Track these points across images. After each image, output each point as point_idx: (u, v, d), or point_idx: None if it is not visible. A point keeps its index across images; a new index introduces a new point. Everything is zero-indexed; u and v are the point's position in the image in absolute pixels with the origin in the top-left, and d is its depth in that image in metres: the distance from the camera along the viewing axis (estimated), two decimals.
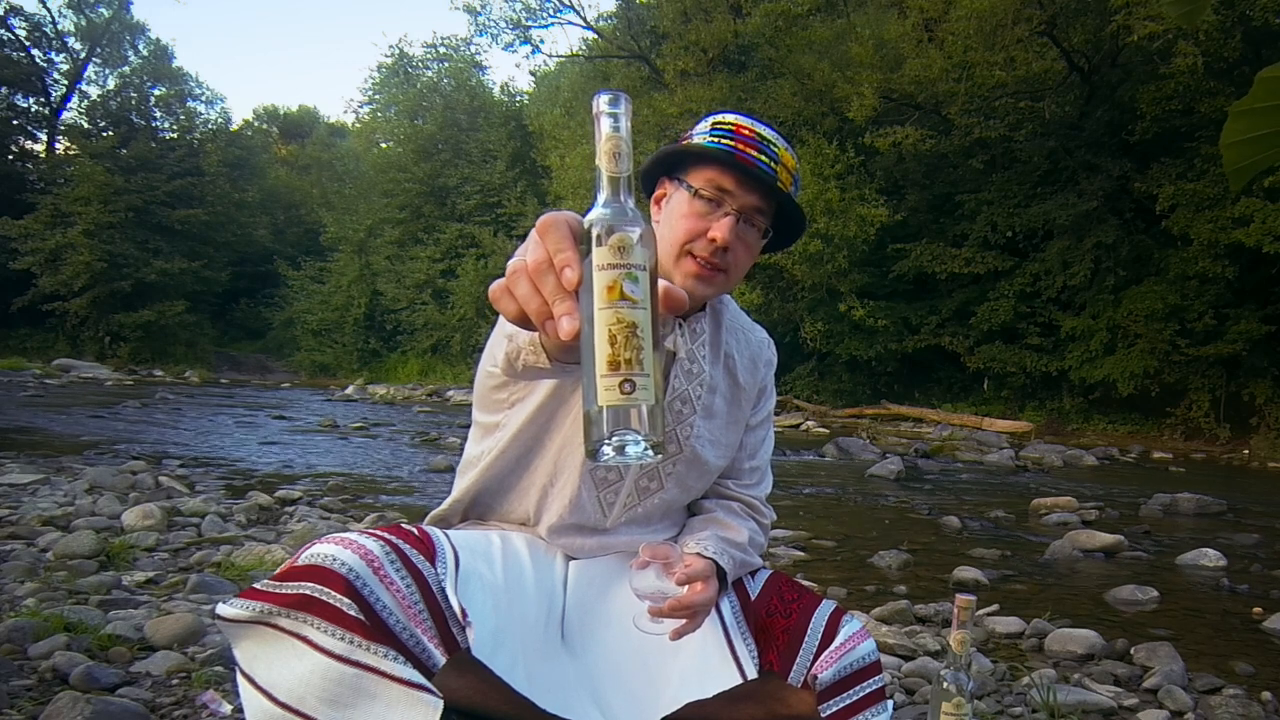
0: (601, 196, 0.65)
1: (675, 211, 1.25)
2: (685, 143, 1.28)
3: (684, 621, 1.19)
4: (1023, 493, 6.89)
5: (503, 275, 0.70)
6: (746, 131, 1.25)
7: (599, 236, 0.62)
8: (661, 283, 0.66)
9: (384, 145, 30.10)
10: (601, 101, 0.66)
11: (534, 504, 1.31)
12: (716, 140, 1.25)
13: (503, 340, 1.05)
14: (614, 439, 0.61)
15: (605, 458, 0.62)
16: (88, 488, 4.79)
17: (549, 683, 1.13)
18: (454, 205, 25.44)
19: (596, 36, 21.62)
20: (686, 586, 1.18)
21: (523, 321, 0.69)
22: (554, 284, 0.64)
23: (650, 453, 0.62)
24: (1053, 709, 2.24)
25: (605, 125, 0.66)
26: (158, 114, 27.49)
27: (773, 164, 1.24)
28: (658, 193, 1.32)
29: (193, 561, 3.35)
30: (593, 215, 0.64)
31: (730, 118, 1.28)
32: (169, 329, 23.81)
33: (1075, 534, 4.84)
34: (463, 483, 1.37)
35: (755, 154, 1.23)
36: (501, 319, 1.06)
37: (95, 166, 23.35)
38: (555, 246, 0.64)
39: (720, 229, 1.21)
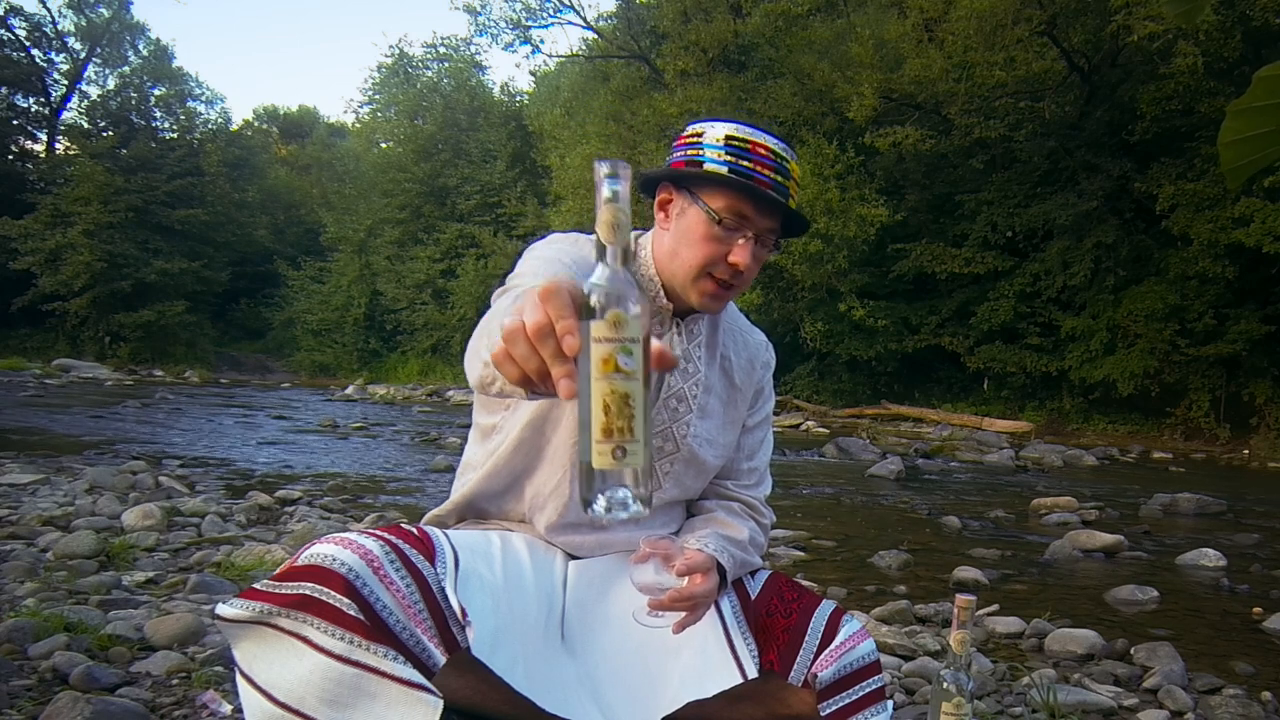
0: (600, 265, 0.68)
1: (693, 233, 1.24)
2: (702, 167, 1.23)
3: (685, 614, 1.19)
4: (1023, 493, 6.89)
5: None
6: (763, 151, 1.22)
7: (597, 309, 0.65)
8: (655, 344, 0.68)
9: (384, 145, 30.12)
10: (601, 171, 0.68)
11: (532, 502, 1.31)
12: (734, 160, 1.21)
13: (477, 364, 1.03)
14: (606, 494, 0.66)
15: (597, 512, 0.67)
16: (88, 488, 4.79)
17: (549, 682, 1.13)
18: (454, 205, 25.46)
19: (596, 36, 21.61)
20: (686, 579, 1.18)
21: (524, 383, 0.74)
22: (554, 348, 0.68)
23: (640, 508, 0.67)
24: (1053, 709, 2.24)
25: (604, 193, 0.68)
26: (158, 114, 27.53)
27: (785, 181, 1.24)
28: (662, 196, 1.30)
29: (193, 561, 3.35)
30: (592, 282, 0.67)
31: (744, 133, 1.23)
32: (169, 329, 23.81)
33: (1075, 534, 4.84)
34: (462, 485, 1.37)
35: (772, 175, 1.22)
36: (480, 328, 1.05)
37: (95, 166, 23.34)
38: (557, 313, 0.68)
39: (741, 254, 1.23)
